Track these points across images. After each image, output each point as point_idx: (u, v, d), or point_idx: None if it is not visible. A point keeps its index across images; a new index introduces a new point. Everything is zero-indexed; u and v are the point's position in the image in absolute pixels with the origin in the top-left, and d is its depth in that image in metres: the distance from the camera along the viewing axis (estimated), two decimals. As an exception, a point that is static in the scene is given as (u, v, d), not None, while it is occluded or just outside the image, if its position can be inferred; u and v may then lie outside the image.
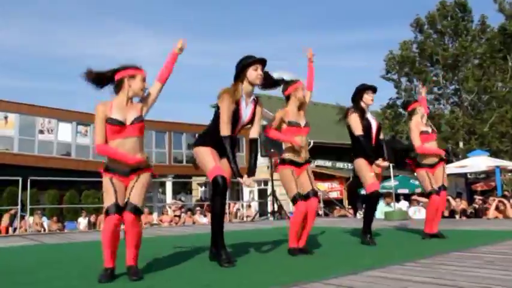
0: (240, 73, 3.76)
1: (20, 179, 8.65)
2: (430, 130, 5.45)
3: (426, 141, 5.37)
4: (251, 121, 3.84)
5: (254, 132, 3.91)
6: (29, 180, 8.66)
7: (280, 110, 4.32)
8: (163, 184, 25.14)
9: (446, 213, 10.79)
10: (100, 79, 3.28)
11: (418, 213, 10.96)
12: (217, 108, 3.75)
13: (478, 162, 14.36)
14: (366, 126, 4.83)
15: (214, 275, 3.15)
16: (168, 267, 3.54)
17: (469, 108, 22.58)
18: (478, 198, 11.71)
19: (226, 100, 3.64)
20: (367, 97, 4.91)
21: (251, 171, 3.76)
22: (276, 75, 4.09)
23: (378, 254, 4.06)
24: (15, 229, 11.17)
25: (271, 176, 11.18)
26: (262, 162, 20.37)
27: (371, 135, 4.86)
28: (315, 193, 4.22)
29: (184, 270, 3.46)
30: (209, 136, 3.74)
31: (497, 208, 10.03)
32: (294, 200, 4.15)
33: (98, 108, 3.16)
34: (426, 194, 5.53)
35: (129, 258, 3.14)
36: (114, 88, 3.29)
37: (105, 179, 3.17)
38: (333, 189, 21.68)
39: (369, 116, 4.93)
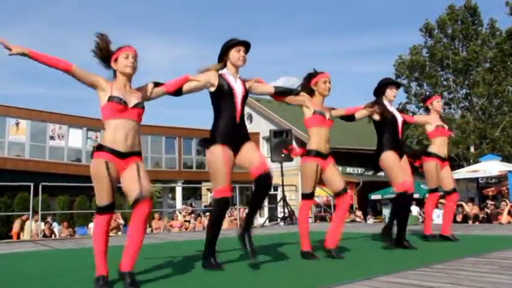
0: (223, 55, 3.75)
1: (32, 185, 8.67)
2: (445, 126, 5.53)
3: (441, 135, 5.40)
4: (246, 97, 3.76)
5: (268, 87, 4.03)
6: (40, 186, 8.69)
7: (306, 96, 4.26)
8: (173, 189, 25.19)
9: (459, 219, 10.69)
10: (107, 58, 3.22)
11: (437, 218, 10.79)
12: (210, 94, 3.70)
13: (490, 166, 14.22)
14: (391, 119, 4.79)
15: (225, 281, 3.12)
16: (179, 272, 3.53)
17: (480, 112, 22.38)
18: (490, 203, 11.60)
19: (206, 74, 3.65)
20: (389, 92, 4.88)
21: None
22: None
23: (391, 259, 4.00)
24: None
25: (282, 181, 11.12)
26: (272, 167, 20.25)
27: (397, 129, 4.82)
28: (346, 189, 4.22)
29: (195, 274, 3.43)
30: (217, 125, 3.62)
31: (509, 213, 9.93)
32: (304, 197, 4.18)
33: (100, 76, 3.11)
34: (429, 190, 5.53)
35: (126, 262, 2.98)
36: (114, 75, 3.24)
37: (99, 162, 2.98)
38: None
39: (392, 109, 4.88)
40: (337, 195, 4.20)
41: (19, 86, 74.22)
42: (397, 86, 5.00)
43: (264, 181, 3.57)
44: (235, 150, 3.61)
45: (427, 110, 5.67)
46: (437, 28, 23.18)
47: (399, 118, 4.89)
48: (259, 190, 3.62)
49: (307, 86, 4.27)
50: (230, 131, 3.58)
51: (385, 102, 4.87)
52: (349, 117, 4.79)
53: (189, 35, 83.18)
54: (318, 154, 4.16)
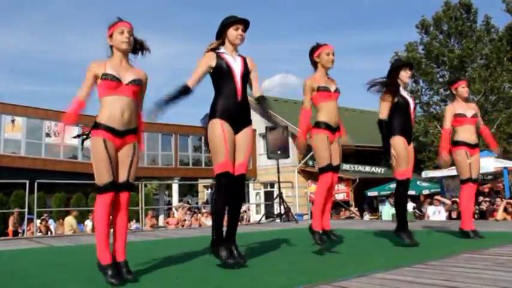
0: (221, 32, 3.65)
1: (27, 182, 8.66)
2: (470, 113, 5.26)
3: (460, 124, 5.24)
4: (246, 75, 3.65)
5: (256, 91, 3.76)
6: (36, 183, 8.67)
7: (308, 78, 4.23)
8: (169, 186, 25.18)
9: (454, 215, 10.73)
10: None
11: (438, 214, 10.79)
12: (210, 75, 3.62)
13: (486, 163, 14.20)
14: (403, 103, 4.66)
15: (224, 277, 3.13)
16: (177, 269, 3.53)
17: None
18: (484, 200, 11.62)
19: (204, 58, 3.57)
20: (404, 74, 4.75)
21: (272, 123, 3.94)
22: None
23: (386, 256, 4.01)
24: (23, 232, 11.19)
25: (278, 178, 11.12)
26: (269, 164, 20.46)
27: (409, 113, 4.70)
28: (339, 168, 4.26)
29: (194, 271, 3.44)
30: (217, 102, 3.54)
31: (505, 210, 9.96)
32: (323, 170, 4.09)
33: (90, 64, 3.06)
34: (462, 180, 5.28)
35: (120, 251, 3.02)
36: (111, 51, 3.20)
37: (97, 140, 2.96)
38: (339, 191, 21.60)
39: (404, 93, 4.76)
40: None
41: (14, 82, 73.96)
42: (411, 67, 4.90)
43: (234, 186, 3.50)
44: (236, 129, 3.53)
45: (453, 96, 5.44)
46: (433, 25, 23.24)
47: (411, 103, 4.76)
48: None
49: (311, 58, 4.27)
50: (231, 107, 3.50)
51: (399, 83, 4.73)
52: None
53: (186, 33, 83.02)
54: (328, 127, 4.19)
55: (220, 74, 3.56)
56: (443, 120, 5.47)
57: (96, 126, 3.00)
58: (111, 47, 3.16)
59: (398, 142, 4.57)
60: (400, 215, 4.66)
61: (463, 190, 5.29)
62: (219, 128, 3.45)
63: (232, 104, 3.51)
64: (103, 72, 3.01)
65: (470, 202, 5.37)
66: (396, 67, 4.81)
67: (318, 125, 4.19)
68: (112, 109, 3.00)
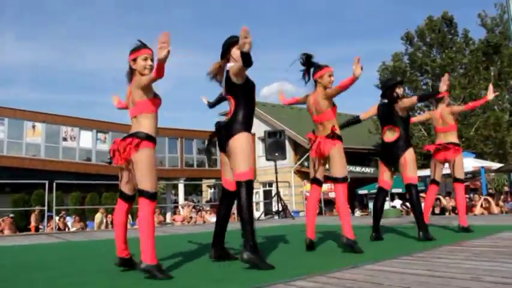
0: (225, 52, 3.53)
1: (47, 182, 8.72)
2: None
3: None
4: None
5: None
6: (54, 184, 8.73)
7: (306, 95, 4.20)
8: (176, 186, 25.16)
9: (437, 211, 10.75)
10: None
11: None
12: (231, 83, 3.41)
13: (465, 163, 14.28)
14: (408, 117, 4.97)
15: (225, 271, 3.13)
16: (180, 263, 3.52)
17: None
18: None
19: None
20: (398, 91, 4.88)
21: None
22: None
23: (376, 250, 4.03)
24: (44, 228, 11.22)
25: (276, 178, 11.15)
26: (267, 165, 20.44)
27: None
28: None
29: (196, 265, 3.43)
30: (247, 118, 3.38)
31: (482, 205, 10.00)
32: (345, 180, 3.95)
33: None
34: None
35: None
36: (128, 74, 3.18)
37: (152, 151, 2.99)
38: (333, 190, 21.57)
39: None
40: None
41: (34, 91, 74.01)
42: (402, 83, 5.13)
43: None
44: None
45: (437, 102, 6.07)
46: (416, 37, 23.28)
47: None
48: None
49: (313, 78, 4.17)
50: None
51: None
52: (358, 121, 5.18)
53: (191, 44, 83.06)
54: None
55: (248, 89, 3.47)
56: (429, 123, 5.85)
57: (150, 138, 3.00)
58: (133, 69, 3.14)
59: (412, 151, 4.76)
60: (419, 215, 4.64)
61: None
62: (251, 141, 3.37)
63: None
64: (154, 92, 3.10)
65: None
66: (393, 85, 4.94)
67: (340, 137, 4.05)
68: (156, 123, 3.08)
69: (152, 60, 3.14)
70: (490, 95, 5.68)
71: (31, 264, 3.81)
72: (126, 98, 3.21)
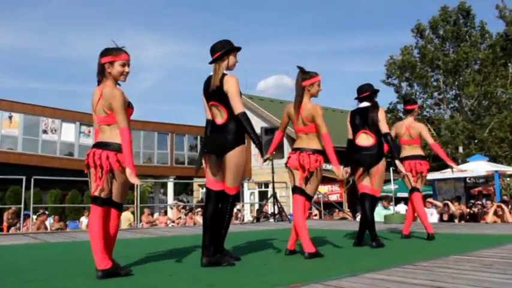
0: (223, 55, 3.64)
1: (24, 178, 8.63)
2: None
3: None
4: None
5: (237, 108, 3.54)
6: (32, 180, 8.66)
7: (319, 105, 4.23)
8: (164, 185, 25.14)
9: (445, 217, 10.79)
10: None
11: (430, 216, 10.84)
12: (224, 93, 3.56)
13: (477, 167, 14.32)
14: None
15: (217, 275, 3.15)
16: (170, 267, 3.55)
17: (469, 113, 22.54)
18: (478, 202, 11.69)
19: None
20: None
21: (259, 148, 3.56)
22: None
23: (377, 257, 4.05)
24: (19, 228, 11.18)
25: (273, 178, 11.15)
26: (265, 165, 20.25)
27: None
28: None
29: (187, 269, 3.46)
30: (240, 128, 3.59)
31: (495, 213, 10.02)
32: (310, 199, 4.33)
33: (121, 93, 3.11)
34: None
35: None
36: (98, 73, 3.19)
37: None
38: (333, 192, 21.66)
39: None
40: None
41: (12, 79, 73.71)
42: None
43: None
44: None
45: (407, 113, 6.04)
46: (429, 29, 23.29)
47: None
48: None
49: (301, 85, 4.23)
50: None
51: None
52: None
53: (182, 32, 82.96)
54: None
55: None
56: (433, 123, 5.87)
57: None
58: (104, 70, 3.16)
59: (385, 164, 4.96)
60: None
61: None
62: (245, 154, 3.67)
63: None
64: (127, 100, 3.18)
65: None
66: (376, 91, 5.06)
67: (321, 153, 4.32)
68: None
69: (129, 66, 3.20)
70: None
71: (4, 268, 3.80)
72: (94, 102, 3.22)
